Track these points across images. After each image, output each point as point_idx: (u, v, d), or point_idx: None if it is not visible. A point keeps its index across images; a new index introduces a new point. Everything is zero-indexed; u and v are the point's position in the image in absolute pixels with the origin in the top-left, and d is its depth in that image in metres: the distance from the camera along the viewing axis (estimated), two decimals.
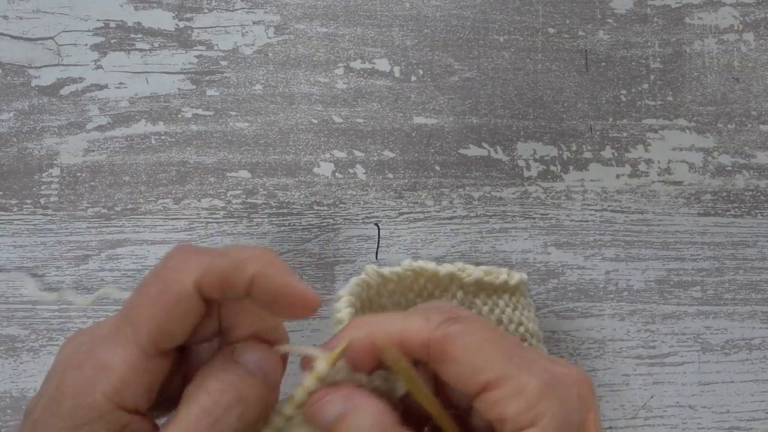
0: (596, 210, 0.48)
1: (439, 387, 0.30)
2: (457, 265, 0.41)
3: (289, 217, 0.47)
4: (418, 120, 0.48)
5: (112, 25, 0.47)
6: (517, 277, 0.41)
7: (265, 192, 0.47)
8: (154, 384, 0.28)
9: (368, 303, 0.39)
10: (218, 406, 0.28)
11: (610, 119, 0.49)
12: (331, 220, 0.47)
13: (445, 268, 0.40)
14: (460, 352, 0.28)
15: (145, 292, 0.28)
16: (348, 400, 0.28)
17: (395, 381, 0.30)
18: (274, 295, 0.28)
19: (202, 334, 0.30)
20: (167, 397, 0.30)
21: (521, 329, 0.42)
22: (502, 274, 0.41)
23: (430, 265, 0.40)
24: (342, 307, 0.35)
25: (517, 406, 0.27)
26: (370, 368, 0.29)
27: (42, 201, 0.46)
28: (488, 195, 0.48)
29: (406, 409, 0.30)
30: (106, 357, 0.27)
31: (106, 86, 0.47)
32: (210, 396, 0.28)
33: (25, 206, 0.46)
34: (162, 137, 0.47)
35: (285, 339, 0.32)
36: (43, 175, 0.46)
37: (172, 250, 0.29)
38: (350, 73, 0.48)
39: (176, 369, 0.30)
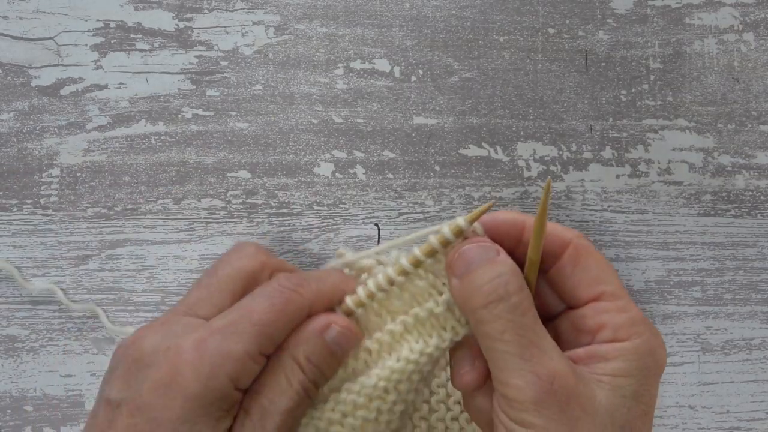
0: (596, 210, 0.48)
1: (537, 291, 0.34)
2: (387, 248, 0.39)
3: (289, 217, 0.47)
4: (418, 120, 0.48)
5: (112, 25, 0.47)
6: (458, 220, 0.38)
7: (265, 192, 0.47)
8: (257, 374, 0.33)
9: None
10: (309, 380, 0.34)
11: (610, 119, 0.49)
12: (331, 220, 0.47)
13: (391, 255, 0.39)
14: (591, 261, 0.33)
15: (269, 301, 0.33)
16: (498, 253, 0.32)
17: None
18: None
19: None
20: None
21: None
22: (442, 228, 0.38)
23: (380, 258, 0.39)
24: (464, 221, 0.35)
25: (620, 320, 0.31)
26: (513, 241, 0.34)
27: (42, 201, 0.46)
28: (488, 195, 0.48)
29: None
30: (229, 346, 0.31)
31: (106, 86, 0.47)
32: (303, 370, 0.33)
33: (25, 206, 0.46)
34: (162, 137, 0.47)
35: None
36: (43, 175, 0.46)
37: (291, 276, 0.35)
38: (350, 73, 0.48)
39: None
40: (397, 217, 0.47)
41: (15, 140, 0.46)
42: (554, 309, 0.35)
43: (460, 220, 0.33)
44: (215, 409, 0.31)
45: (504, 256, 0.32)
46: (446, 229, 0.33)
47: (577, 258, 0.33)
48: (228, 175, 0.47)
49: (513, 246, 0.34)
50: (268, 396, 0.32)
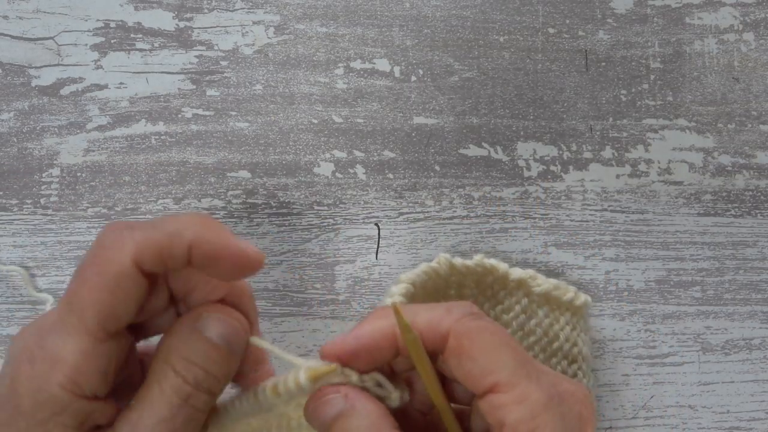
0: (596, 210, 0.48)
1: (442, 383, 0.30)
2: (529, 272, 0.41)
3: (289, 217, 0.47)
4: (418, 120, 0.48)
5: (112, 25, 0.47)
6: (582, 298, 0.42)
7: (265, 192, 0.47)
8: (110, 367, 0.28)
9: (433, 291, 0.39)
10: (187, 384, 0.28)
11: (610, 119, 0.49)
12: (331, 220, 0.47)
13: (516, 273, 0.41)
14: (477, 349, 0.28)
15: (83, 277, 0.27)
16: (347, 400, 0.28)
17: (391, 391, 0.29)
18: (215, 259, 0.28)
19: (152, 308, 0.30)
20: (128, 376, 0.30)
21: (575, 350, 0.42)
22: (569, 292, 0.41)
23: (502, 266, 0.41)
24: (396, 293, 0.35)
25: (518, 414, 0.27)
26: (387, 358, 0.29)
27: (42, 201, 0.46)
28: (488, 195, 0.48)
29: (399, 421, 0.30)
30: (56, 348, 0.27)
31: (106, 86, 0.47)
32: (178, 374, 0.28)
33: (25, 206, 0.46)
34: (162, 137, 0.47)
35: (249, 299, 0.31)
36: (43, 175, 0.46)
37: (104, 229, 0.28)
38: (350, 73, 0.48)
39: (132, 347, 0.30)
40: (397, 217, 0.47)
41: (15, 140, 0.46)
42: (466, 392, 0.31)
43: (302, 378, 0.28)
44: (53, 426, 0.27)
45: (354, 404, 0.28)
46: (290, 383, 0.28)
47: (459, 349, 0.28)
48: (228, 175, 0.47)
49: (393, 355, 0.30)
50: (137, 408, 0.28)
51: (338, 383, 0.29)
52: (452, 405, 0.30)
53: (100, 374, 0.27)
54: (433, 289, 0.39)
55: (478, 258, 0.40)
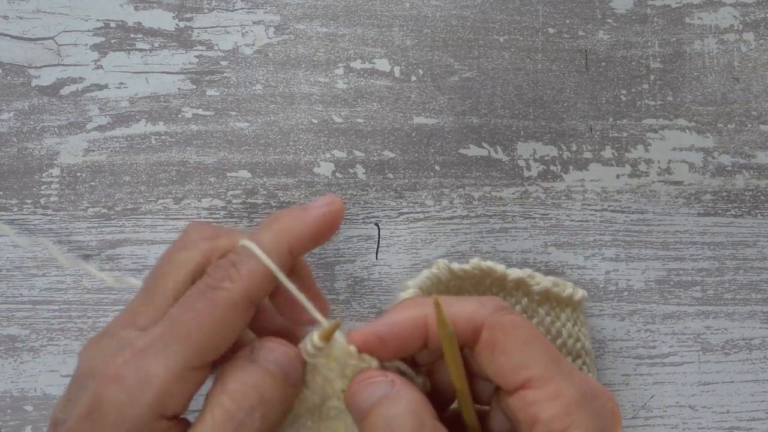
0: (596, 210, 0.48)
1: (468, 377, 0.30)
2: (526, 271, 0.42)
3: None
4: (418, 120, 0.48)
5: (112, 25, 0.47)
6: (580, 293, 0.42)
7: (265, 192, 0.47)
8: (195, 390, 0.29)
9: None
10: (241, 410, 0.28)
11: (610, 119, 0.49)
12: None
13: (515, 273, 0.41)
14: (511, 343, 0.28)
15: (192, 305, 0.29)
16: (394, 385, 0.28)
17: (414, 377, 0.30)
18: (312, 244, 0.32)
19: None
20: None
21: (578, 345, 0.42)
22: (568, 288, 0.41)
23: (500, 267, 0.41)
24: (408, 296, 0.35)
25: (553, 410, 0.27)
26: (414, 349, 0.29)
27: (42, 201, 0.46)
28: (488, 195, 0.48)
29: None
30: (150, 369, 0.28)
31: (106, 86, 0.47)
32: (232, 399, 0.28)
33: (25, 206, 0.46)
34: (162, 137, 0.47)
35: (313, 287, 0.34)
36: (43, 175, 0.46)
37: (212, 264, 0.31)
38: (350, 73, 0.48)
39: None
40: (397, 217, 0.47)
41: (15, 140, 0.46)
42: (486, 390, 0.31)
43: (316, 340, 0.29)
44: None
45: (399, 390, 0.28)
46: (308, 345, 0.30)
47: (493, 343, 0.28)
48: (228, 174, 0.47)
49: (421, 346, 0.30)
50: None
51: (381, 368, 0.29)
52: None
53: (186, 397, 0.28)
54: (436, 294, 0.39)
55: (474, 261, 0.40)
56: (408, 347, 0.29)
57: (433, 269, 0.39)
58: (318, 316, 0.30)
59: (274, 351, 0.29)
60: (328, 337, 0.29)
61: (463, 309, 0.29)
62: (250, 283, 0.29)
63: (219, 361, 0.30)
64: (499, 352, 0.28)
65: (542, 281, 0.41)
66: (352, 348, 0.29)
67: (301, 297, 0.30)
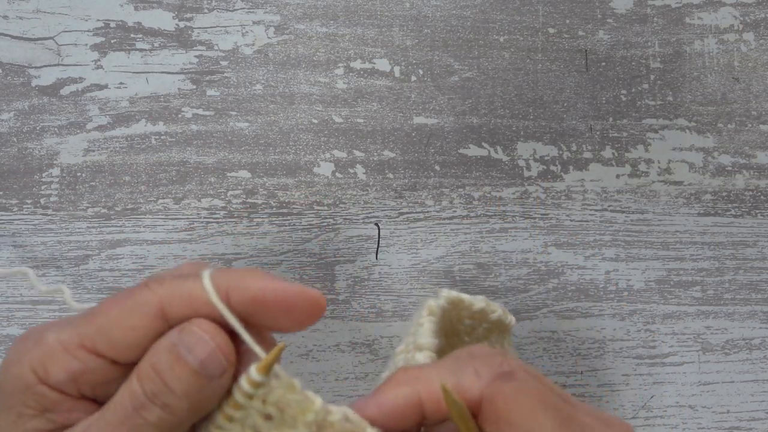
0: (596, 210, 0.48)
1: None
2: (478, 298, 0.37)
3: (289, 217, 0.47)
4: (418, 120, 0.48)
5: (112, 25, 0.47)
6: (510, 318, 0.39)
7: (265, 192, 0.47)
8: (86, 375, 0.27)
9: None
10: (143, 393, 0.26)
11: (610, 119, 0.49)
12: (331, 220, 0.47)
13: (478, 303, 0.37)
14: (515, 414, 0.26)
15: (109, 300, 0.27)
16: None
17: None
18: (260, 304, 0.27)
19: None
20: None
21: None
22: (498, 310, 0.38)
23: (465, 297, 0.37)
24: (421, 359, 0.31)
25: None
26: (413, 425, 0.28)
27: (42, 201, 0.46)
28: (488, 195, 0.48)
29: None
30: (44, 336, 0.27)
31: (106, 86, 0.47)
32: (138, 380, 0.26)
33: (25, 206, 0.46)
34: (162, 137, 0.47)
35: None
36: (43, 175, 0.46)
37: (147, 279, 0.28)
38: (350, 73, 0.48)
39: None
40: (397, 217, 0.47)
41: (15, 140, 0.46)
42: None
43: (254, 374, 0.26)
44: (16, 402, 0.26)
45: None
46: (245, 384, 0.27)
47: (496, 414, 0.26)
48: (228, 174, 0.47)
49: (417, 424, 0.28)
50: (101, 410, 0.27)
51: None
52: None
53: (68, 373, 0.26)
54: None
55: (446, 295, 0.37)
56: (401, 427, 0.28)
57: (441, 301, 0.36)
58: (256, 348, 0.27)
59: (193, 338, 0.27)
60: (267, 369, 0.26)
61: (457, 383, 0.27)
62: (169, 295, 0.27)
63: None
64: (504, 424, 0.26)
65: (496, 308, 0.38)
66: (282, 344, 0.26)
67: (240, 329, 0.27)
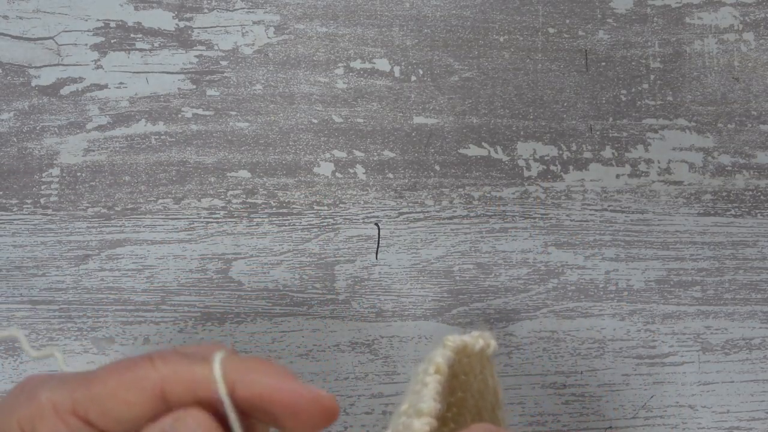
0: (596, 210, 0.48)
1: None
2: (474, 335, 0.36)
3: (289, 217, 0.47)
4: (418, 120, 0.48)
5: (112, 25, 0.47)
6: (494, 344, 0.37)
7: (265, 192, 0.47)
8: None
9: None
10: None
11: (610, 119, 0.49)
12: (331, 220, 0.47)
13: (477, 344, 0.36)
14: None
15: (110, 368, 0.27)
16: None
17: None
18: (267, 402, 0.26)
19: None
20: None
21: (493, 399, 0.38)
22: (481, 340, 0.36)
23: (465, 338, 0.36)
24: (425, 411, 0.30)
25: None
26: None
27: (42, 201, 0.46)
28: (488, 195, 0.48)
29: None
30: (33, 393, 0.26)
31: (106, 86, 0.47)
32: None
33: (25, 206, 0.46)
34: (162, 137, 0.47)
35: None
36: (43, 175, 0.46)
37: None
38: (350, 73, 0.48)
39: None
40: (397, 217, 0.47)
41: (15, 140, 0.46)
42: None
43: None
44: None
45: None
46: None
47: None
48: (228, 174, 0.47)
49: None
50: None
51: None
52: None
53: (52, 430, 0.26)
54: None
55: (452, 345, 0.36)
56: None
57: (448, 352, 0.35)
58: None
59: (186, 429, 0.25)
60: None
61: None
62: (170, 374, 0.26)
63: None
64: None
65: (492, 344, 0.36)
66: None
67: (238, 428, 0.26)
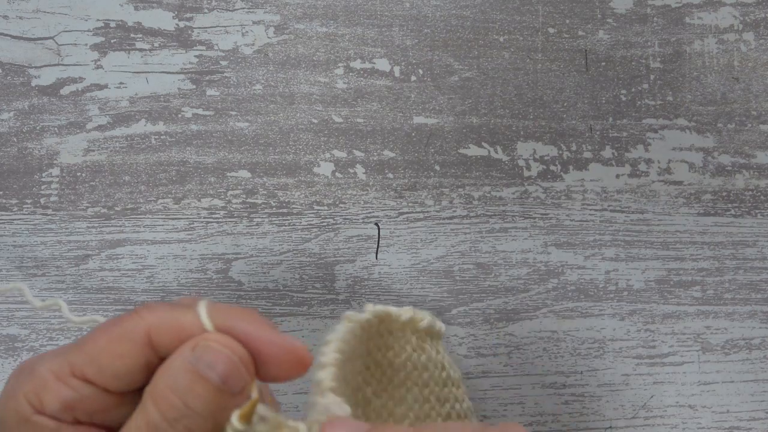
0: (596, 210, 0.48)
1: None
2: (406, 309, 0.37)
3: (289, 217, 0.47)
4: (418, 120, 0.48)
5: (112, 25, 0.47)
6: (439, 324, 0.38)
7: (265, 192, 0.47)
8: (80, 403, 0.26)
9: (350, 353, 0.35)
10: (163, 419, 0.25)
11: (610, 119, 0.49)
12: (331, 220, 0.47)
13: (405, 314, 0.36)
14: None
15: (99, 327, 0.27)
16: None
17: None
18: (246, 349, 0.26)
19: None
20: None
21: (444, 374, 0.39)
22: (426, 317, 0.37)
23: (392, 310, 0.36)
24: (327, 363, 0.29)
25: None
26: None
27: (42, 201, 0.46)
28: (488, 195, 0.48)
29: None
30: (36, 367, 0.27)
31: (106, 86, 0.47)
32: (156, 405, 0.25)
33: (25, 206, 0.46)
34: (162, 137, 0.47)
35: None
36: (43, 174, 0.46)
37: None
38: (350, 73, 0.48)
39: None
40: (397, 217, 0.47)
41: (15, 140, 0.46)
42: None
43: (236, 423, 0.25)
44: None
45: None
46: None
47: None
48: (228, 174, 0.47)
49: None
50: None
51: None
52: None
53: (62, 402, 0.26)
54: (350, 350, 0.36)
55: (370, 307, 0.36)
56: None
57: (350, 324, 0.35)
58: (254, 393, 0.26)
59: (212, 353, 0.26)
60: (248, 418, 0.25)
61: None
62: (158, 322, 0.26)
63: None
64: None
65: (425, 316, 0.37)
66: (256, 396, 0.26)
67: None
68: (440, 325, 0.36)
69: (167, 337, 0.26)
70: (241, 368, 0.26)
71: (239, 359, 0.26)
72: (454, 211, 0.47)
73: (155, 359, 0.26)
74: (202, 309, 0.27)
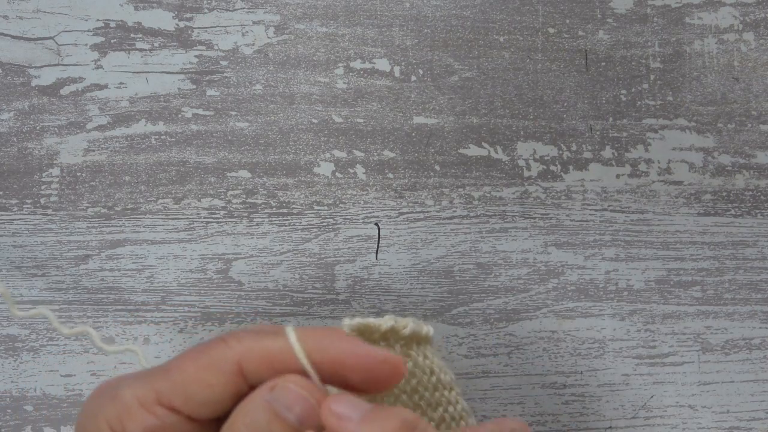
0: (596, 210, 0.48)
1: None
2: (387, 319, 0.37)
3: (289, 217, 0.47)
4: (418, 120, 0.48)
5: (112, 25, 0.47)
6: (425, 328, 0.38)
7: (265, 192, 0.47)
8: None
9: None
10: None
11: (610, 119, 0.49)
12: (331, 220, 0.47)
13: (386, 323, 0.37)
14: None
15: (185, 356, 0.27)
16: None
17: None
18: (340, 366, 0.27)
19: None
20: None
21: (436, 377, 0.39)
22: (410, 323, 0.37)
23: (371, 322, 0.37)
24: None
25: None
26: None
27: (42, 201, 0.46)
28: (488, 195, 0.48)
29: None
30: (116, 392, 0.27)
31: (106, 86, 0.47)
32: None
33: (25, 206, 0.46)
34: (162, 137, 0.47)
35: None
36: (43, 175, 0.46)
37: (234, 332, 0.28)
38: (350, 73, 0.48)
39: None
40: (397, 217, 0.47)
41: (15, 140, 0.46)
42: None
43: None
44: None
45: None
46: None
47: None
48: (228, 174, 0.47)
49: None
50: None
51: None
52: None
53: (145, 430, 0.26)
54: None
55: (347, 322, 0.36)
56: None
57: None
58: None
59: (291, 394, 0.26)
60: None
61: None
62: (247, 351, 0.27)
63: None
64: None
65: (407, 323, 0.37)
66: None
67: (324, 390, 0.27)
68: (427, 329, 0.36)
69: (258, 366, 0.27)
70: (317, 410, 0.26)
71: (316, 402, 0.26)
72: (454, 211, 0.47)
73: (245, 388, 0.27)
74: (292, 334, 0.27)
